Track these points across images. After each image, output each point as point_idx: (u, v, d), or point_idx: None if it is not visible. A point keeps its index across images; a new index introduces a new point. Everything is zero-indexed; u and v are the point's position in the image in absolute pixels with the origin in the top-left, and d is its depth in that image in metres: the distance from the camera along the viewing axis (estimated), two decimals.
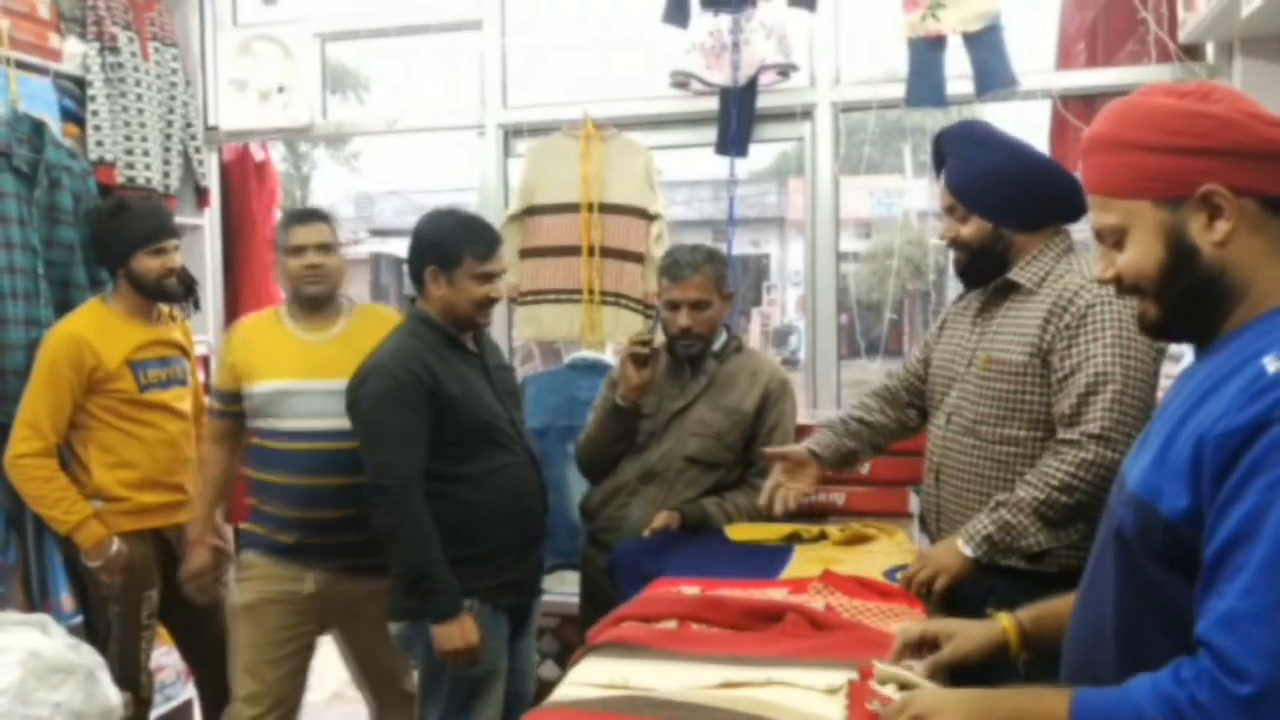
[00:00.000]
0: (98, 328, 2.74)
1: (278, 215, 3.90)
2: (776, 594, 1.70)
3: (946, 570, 1.83)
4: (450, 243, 2.35)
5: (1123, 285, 1.16)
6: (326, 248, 2.61)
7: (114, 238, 2.81)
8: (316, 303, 2.65)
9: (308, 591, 2.59)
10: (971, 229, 2.01)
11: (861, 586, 1.78)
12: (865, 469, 2.69)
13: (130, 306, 2.80)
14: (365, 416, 2.29)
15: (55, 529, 2.75)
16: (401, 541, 2.23)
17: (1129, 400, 1.81)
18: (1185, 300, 1.11)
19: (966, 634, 1.36)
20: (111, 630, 2.79)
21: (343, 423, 2.38)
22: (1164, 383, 1.95)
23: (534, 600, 2.57)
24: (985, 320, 2.05)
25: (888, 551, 2.18)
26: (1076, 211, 2.01)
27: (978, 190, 1.99)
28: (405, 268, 2.56)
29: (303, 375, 2.57)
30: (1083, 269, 1.93)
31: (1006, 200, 1.98)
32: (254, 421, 2.64)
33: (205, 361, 3.45)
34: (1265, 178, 1.07)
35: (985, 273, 2.04)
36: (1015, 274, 1.98)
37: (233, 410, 2.67)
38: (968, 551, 1.84)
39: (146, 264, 2.78)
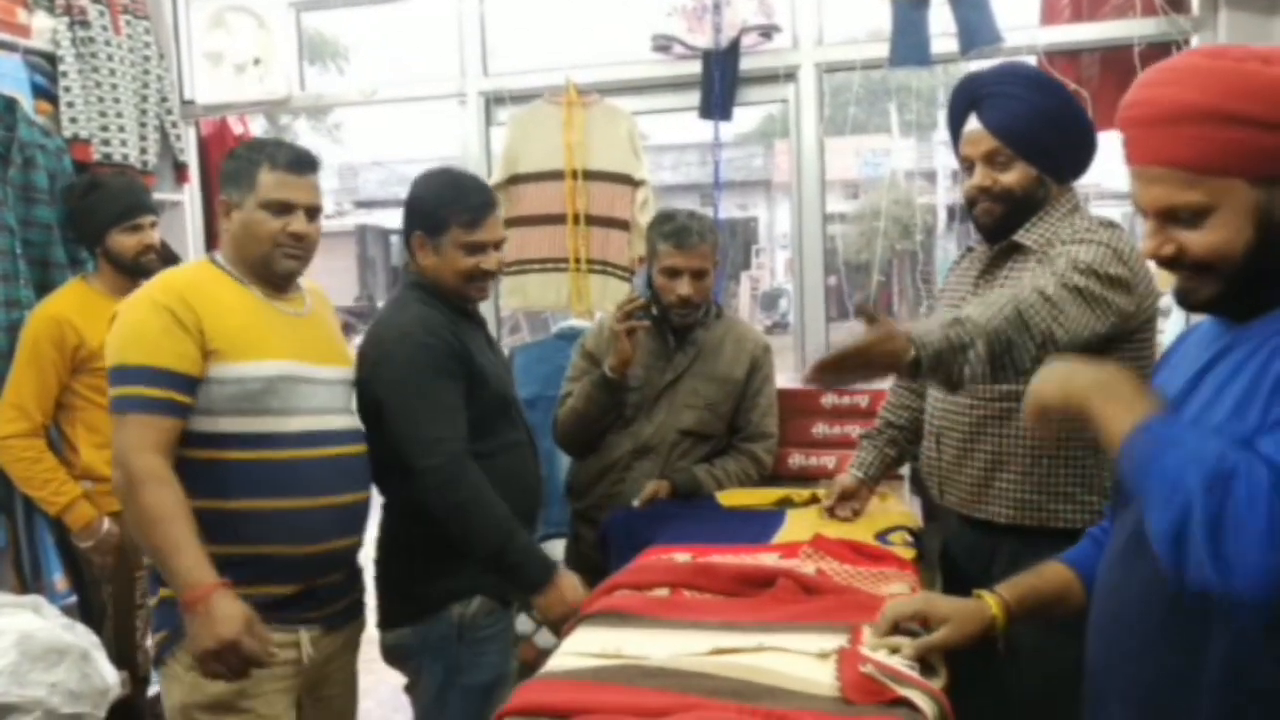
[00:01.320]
0: (80, 307, 2.72)
1: None
2: (768, 559, 1.70)
3: (877, 368, 1.62)
4: (435, 207, 2.09)
5: (1181, 263, 1.11)
6: (316, 212, 1.95)
7: (88, 216, 2.79)
8: (286, 280, 1.97)
9: (306, 659, 1.89)
10: (1017, 175, 1.88)
11: (852, 551, 1.78)
12: (856, 432, 2.70)
13: (112, 285, 2.77)
14: (401, 389, 1.97)
15: (45, 510, 2.74)
16: (471, 521, 1.94)
17: (1107, 277, 1.72)
18: (1257, 281, 1.08)
19: (958, 621, 1.33)
20: (106, 610, 2.80)
21: (357, 421, 2.00)
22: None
23: None
24: (988, 282, 1.98)
25: (878, 515, 2.18)
26: (1087, 167, 1.96)
27: (1032, 132, 1.86)
28: (391, 239, 2.41)
29: (306, 357, 1.91)
30: (1082, 227, 1.86)
31: (1060, 145, 1.89)
32: (227, 422, 1.81)
33: None
34: None
35: (1018, 227, 1.92)
36: (1021, 236, 1.91)
37: (181, 403, 1.78)
38: (912, 349, 1.59)
39: (122, 241, 2.75)
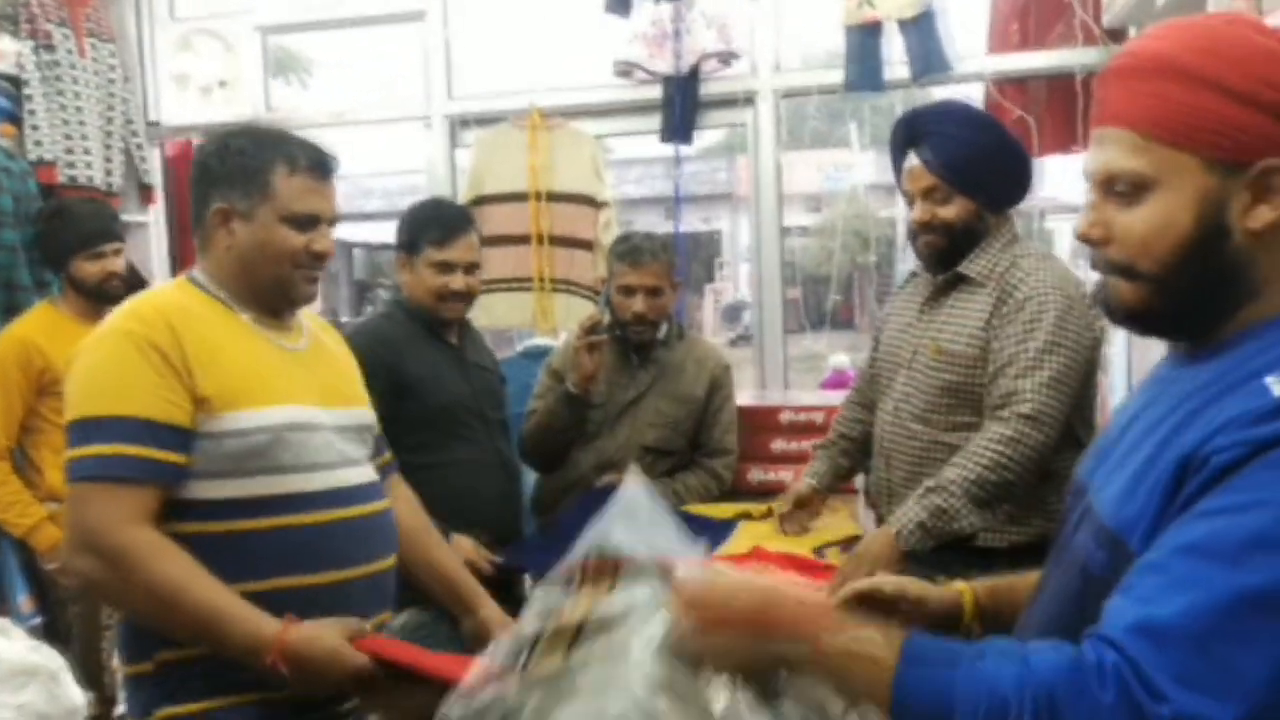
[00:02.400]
0: (46, 330, 2.73)
1: None
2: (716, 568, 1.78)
3: (880, 563, 1.80)
4: (411, 228, 2.27)
5: (1106, 252, 0.94)
6: (335, 224, 1.60)
7: (52, 241, 2.81)
8: (297, 307, 1.63)
9: None
10: (956, 210, 1.96)
11: (790, 562, 1.85)
12: (813, 447, 2.78)
13: (78, 309, 2.79)
14: None
15: (10, 532, 2.74)
16: None
17: (1061, 388, 1.86)
18: (1188, 290, 0.91)
19: (919, 589, 1.18)
20: (72, 631, 2.81)
21: (373, 474, 1.65)
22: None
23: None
24: (933, 310, 2.07)
25: (822, 529, 2.25)
26: (1023, 196, 2.06)
27: (969, 169, 1.95)
28: (354, 253, 2.49)
29: (311, 399, 1.55)
30: (1025, 261, 1.97)
31: (995, 178, 1.99)
32: (226, 486, 1.45)
33: None
34: None
35: (959, 256, 2.00)
36: (965, 267, 2.00)
37: (167, 464, 1.40)
38: (901, 544, 1.82)
39: (85, 268, 2.78)
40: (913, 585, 1.19)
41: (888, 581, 1.20)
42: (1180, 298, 0.92)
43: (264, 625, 1.37)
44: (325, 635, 1.38)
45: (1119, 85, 0.94)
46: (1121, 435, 0.99)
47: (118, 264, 2.82)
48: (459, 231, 2.23)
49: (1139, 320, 0.96)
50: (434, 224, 2.24)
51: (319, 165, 1.54)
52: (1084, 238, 0.96)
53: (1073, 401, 1.89)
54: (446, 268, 2.22)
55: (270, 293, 1.55)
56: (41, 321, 2.77)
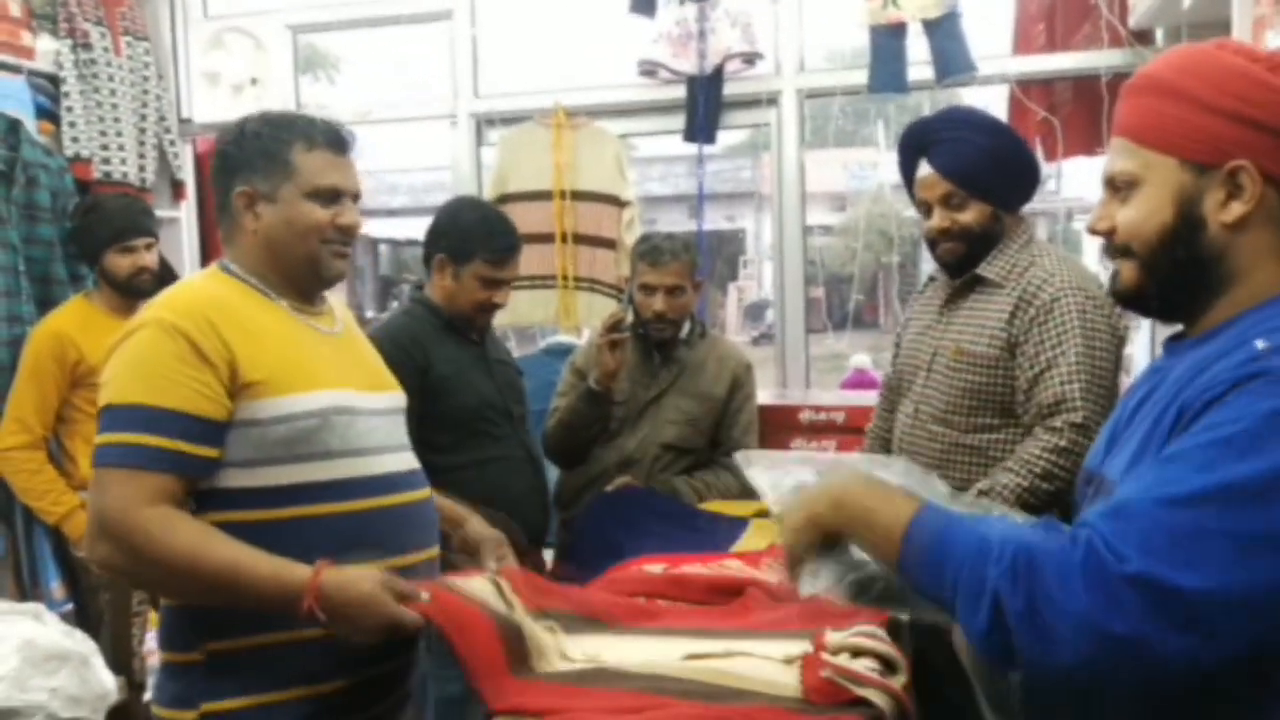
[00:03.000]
0: (81, 323, 2.80)
1: None
2: (733, 565, 1.80)
3: None
4: (465, 237, 2.25)
5: (1112, 241, 1.10)
6: (358, 198, 1.60)
7: (86, 236, 2.88)
8: (330, 285, 1.63)
9: None
10: (973, 214, 1.99)
11: None
12: (833, 447, 2.80)
13: (112, 302, 2.85)
14: None
15: (44, 519, 2.81)
16: None
17: (1098, 389, 1.88)
18: (1174, 273, 1.06)
19: None
20: (103, 617, 2.88)
21: (415, 460, 1.64)
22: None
23: None
24: (951, 311, 2.08)
25: None
26: (1033, 193, 2.09)
27: (983, 173, 1.98)
28: (380, 248, 2.49)
29: (353, 384, 1.55)
30: (1044, 261, 1.99)
31: (1008, 180, 2.02)
32: (275, 472, 1.44)
33: None
34: None
35: (978, 259, 2.02)
36: (984, 269, 2.02)
37: (194, 457, 1.39)
38: None
39: (116, 262, 2.83)
40: None
41: None
42: (1166, 279, 1.07)
43: (295, 571, 1.35)
44: (361, 580, 1.35)
45: (1123, 102, 1.11)
46: (1128, 423, 1.11)
47: (148, 259, 2.88)
48: (514, 251, 2.28)
49: (1138, 300, 1.11)
50: (489, 241, 2.24)
51: (336, 140, 1.55)
52: (1093, 230, 1.13)
53: (1110, 399, 1.90)
54: (496, 284, 2.26)
55: (300, 272, 1.55)
56: (76, 315, 2.83)
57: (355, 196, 1.58)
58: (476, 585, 1.43)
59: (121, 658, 2.84)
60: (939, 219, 2.01)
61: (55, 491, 2.77)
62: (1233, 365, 0.95)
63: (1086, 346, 1.89)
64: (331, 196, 1.53)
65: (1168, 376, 1.07)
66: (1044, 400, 1.90)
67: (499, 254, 2.24)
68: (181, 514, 1.38)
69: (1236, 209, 1.01)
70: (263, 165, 1.50)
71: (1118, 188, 1.09)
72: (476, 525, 1.76)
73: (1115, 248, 1.10)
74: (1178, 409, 0.98)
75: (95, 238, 2.85)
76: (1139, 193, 1.06)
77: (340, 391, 1.51)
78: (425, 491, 1.61)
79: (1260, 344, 0.96)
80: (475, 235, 2.25)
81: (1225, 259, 1.03)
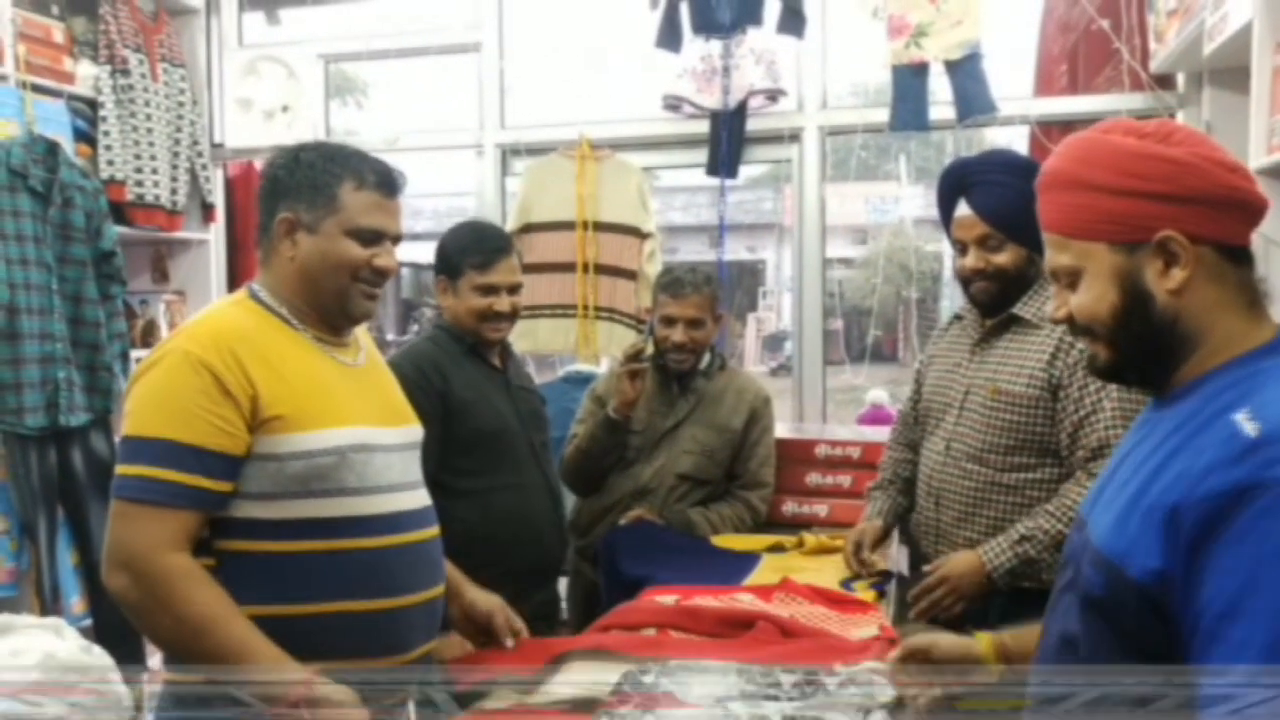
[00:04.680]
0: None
1: None
2: (744, 598, 1.81)
3: (967, 598, 1.92)
4: (454, 252, 2.29)
5: (1075, 326, 1.12)
6: (399, 242, 1.63)
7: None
8: (356, 323, 1.66)
9: None
10: (1009, 256, 2.01)
11: (816, 594, 1.89)
12: (848, 483, 2.81)
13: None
14: None
15: None
16: None
17: None
18: (1138, 346, 1.08)
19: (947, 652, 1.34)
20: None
21: (428, 496, 1.66)
22: None
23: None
24: (985, 351, 2.09)
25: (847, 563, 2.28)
26: None
27: (1020, 216, 1.93)
28: (403, 271, 2.50)
29: (373, 419, 1.57)
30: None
31: None
32: (290, 506, 1.46)
33: None
34: (1223, 225, 1.03)
35: (1012, 300, 2.04)
36: (1020, 309, 2.04)
37: (212, 492, 1.42)
38: (987, 579, 1.92)
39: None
40: (953, 650, 1.36)
41: (938, 648, 1.36)
42: (1133, 352, 1.09)
43: (293, 668, 1.35)
44: (348, 696, 1.25)
45: (1041, 199, 1.14)
46: (1115, 472, 1.12)
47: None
48: (500, 254, 2.27)
49: (1109, 372, 1.13)
50: (474, 248, 2.27)
51: (387, 183, 1.56)
52: (1054, 320, 1.16)
53: None
54: (490, 290, 2.26)
55: (329, 305, 1.56)
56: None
57: (396, 239, 1.59)
58: None
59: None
60: (974, 259, 2.03)
61: None
62: (1222, 459, 0.94)
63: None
64: (372, 237, 1.55)
65: (1151, 432, 1.09)
66: (1089, 444, 1.91)
67: (485, 257, 2.25)
68: (205, 574, 1.40)
69: (1177, 275, 1.04)
70: (309, 195, 1.53)
71: (1062, 280, 1.12)
72: (475, 594, 1.76)
73: (1078, 330, 1.13)
74: (1170, 503, 0.96)
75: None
76: (1083, 280, 1.09)
77: (359, 429, 1.51)
78: (434, 530, 1.62)
79: (1247, 425, 0.94)
80: (462, 247, 2.28)
81: (1180, 322, 1.05)
